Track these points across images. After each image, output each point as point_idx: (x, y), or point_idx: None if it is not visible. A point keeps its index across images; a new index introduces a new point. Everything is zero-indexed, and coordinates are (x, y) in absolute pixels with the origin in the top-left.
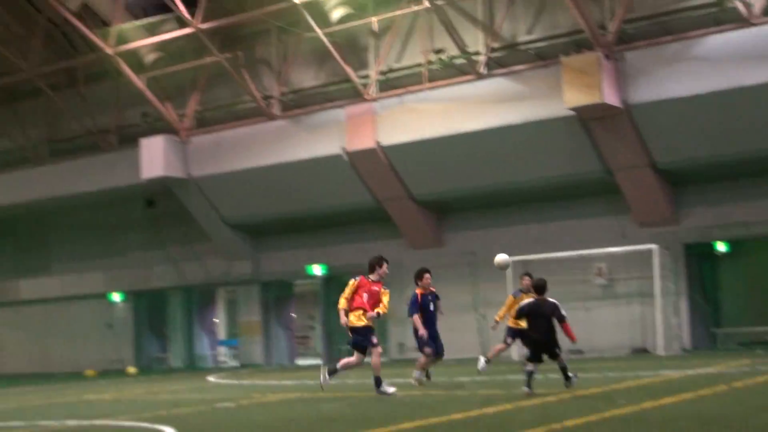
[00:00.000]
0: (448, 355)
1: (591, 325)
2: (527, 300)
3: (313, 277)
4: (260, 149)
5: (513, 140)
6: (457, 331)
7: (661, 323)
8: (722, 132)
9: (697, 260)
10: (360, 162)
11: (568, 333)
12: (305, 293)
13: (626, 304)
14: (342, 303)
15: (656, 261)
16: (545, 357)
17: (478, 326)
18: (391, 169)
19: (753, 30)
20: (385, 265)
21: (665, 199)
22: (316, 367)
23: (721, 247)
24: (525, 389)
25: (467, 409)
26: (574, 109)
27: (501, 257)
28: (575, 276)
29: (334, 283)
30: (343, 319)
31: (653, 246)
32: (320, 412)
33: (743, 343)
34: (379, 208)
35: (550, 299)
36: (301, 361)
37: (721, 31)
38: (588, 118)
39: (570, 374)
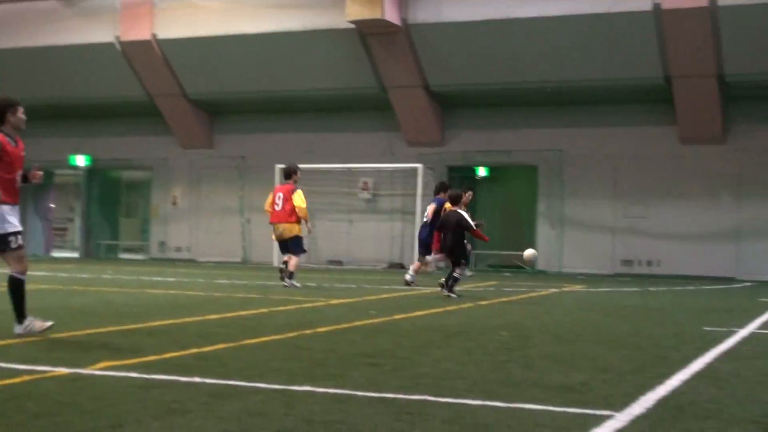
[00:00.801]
0: (210, 258)
1: (353, 237)
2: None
3: (76, 168)
4: (29, 29)
5: (290, 47)
6: (222, 235)
7: (417, 241)
8: (493, 60)
9: (458, 182)
10: (133, 53)
11: (480, 237)
12: (66, 184)
13: (388, 220)
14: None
15: (420, 180)
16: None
17: (243, 230)
18: (166, 64)
19: None
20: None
21: (434, 120)
22: (72, 260)
23: (482, 171)
24: (446, 292)
25: (223, 311)
26: (354, 22)
27: (530, 252)
28: (341, 188)
29: (97, 175)
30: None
31: (418, 165)
32: (71, 305)
33: (493, 266)
34: (150, 103)
35: (458, 210)
36: (57, 254)
37: None
38: (367, 32)
39: (448, 289)
